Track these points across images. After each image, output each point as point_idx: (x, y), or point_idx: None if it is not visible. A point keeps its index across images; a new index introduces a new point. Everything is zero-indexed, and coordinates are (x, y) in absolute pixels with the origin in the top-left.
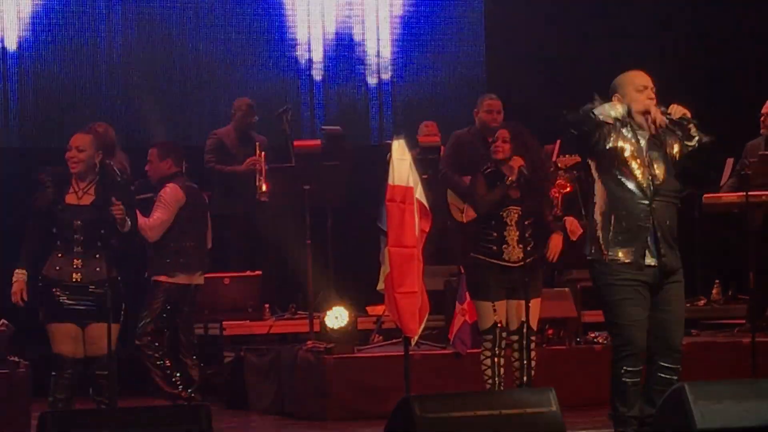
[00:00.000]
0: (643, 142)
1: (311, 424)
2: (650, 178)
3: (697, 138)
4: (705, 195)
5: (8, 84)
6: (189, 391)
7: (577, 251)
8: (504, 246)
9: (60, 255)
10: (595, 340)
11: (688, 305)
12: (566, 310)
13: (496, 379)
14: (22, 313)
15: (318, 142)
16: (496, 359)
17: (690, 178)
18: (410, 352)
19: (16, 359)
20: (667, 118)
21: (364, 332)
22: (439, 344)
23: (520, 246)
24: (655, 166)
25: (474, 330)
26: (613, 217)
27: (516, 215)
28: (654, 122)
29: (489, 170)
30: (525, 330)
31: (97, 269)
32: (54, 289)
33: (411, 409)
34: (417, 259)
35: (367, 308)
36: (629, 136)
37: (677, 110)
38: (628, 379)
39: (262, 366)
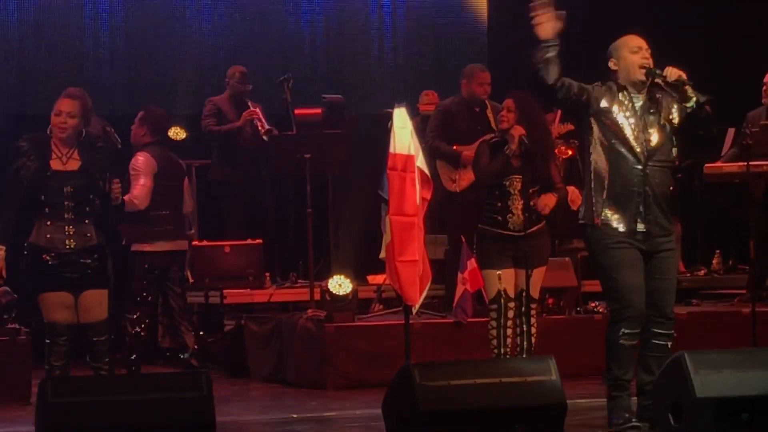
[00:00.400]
0: (638, 106)
1: (311, 393)
2: (644, 142)
3: (694, 99)
4: (706, 165)
5: None
6: (184, 356)
7: (578, 221)
8: (509, 215)
9: (49, 223)
10: (595, 309)
11: (688, 275)
12: (566, 280)
13: (502, 348)
14: (25, 280)
15: (319, 110)
16: (502, 329)
17: (695, 140)
18: (411, 321)
19: (17, 327)
20: (662, 81)
21: (364, 301)
22: (439, 313)
23: (525, 215)
24: (650, 130)
25: (475, 299)
26: (606, 181)
27: (519, 184)
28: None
29: (494, 140)
30: (524, 297)
31: (88, 235)
32: (45, 257)
33: (411, 377)
34: (418, 227)
35: (368, 277)
36: (624, 100)
37: (673, 72)
38: (625, 342)
39: (262, 334)
